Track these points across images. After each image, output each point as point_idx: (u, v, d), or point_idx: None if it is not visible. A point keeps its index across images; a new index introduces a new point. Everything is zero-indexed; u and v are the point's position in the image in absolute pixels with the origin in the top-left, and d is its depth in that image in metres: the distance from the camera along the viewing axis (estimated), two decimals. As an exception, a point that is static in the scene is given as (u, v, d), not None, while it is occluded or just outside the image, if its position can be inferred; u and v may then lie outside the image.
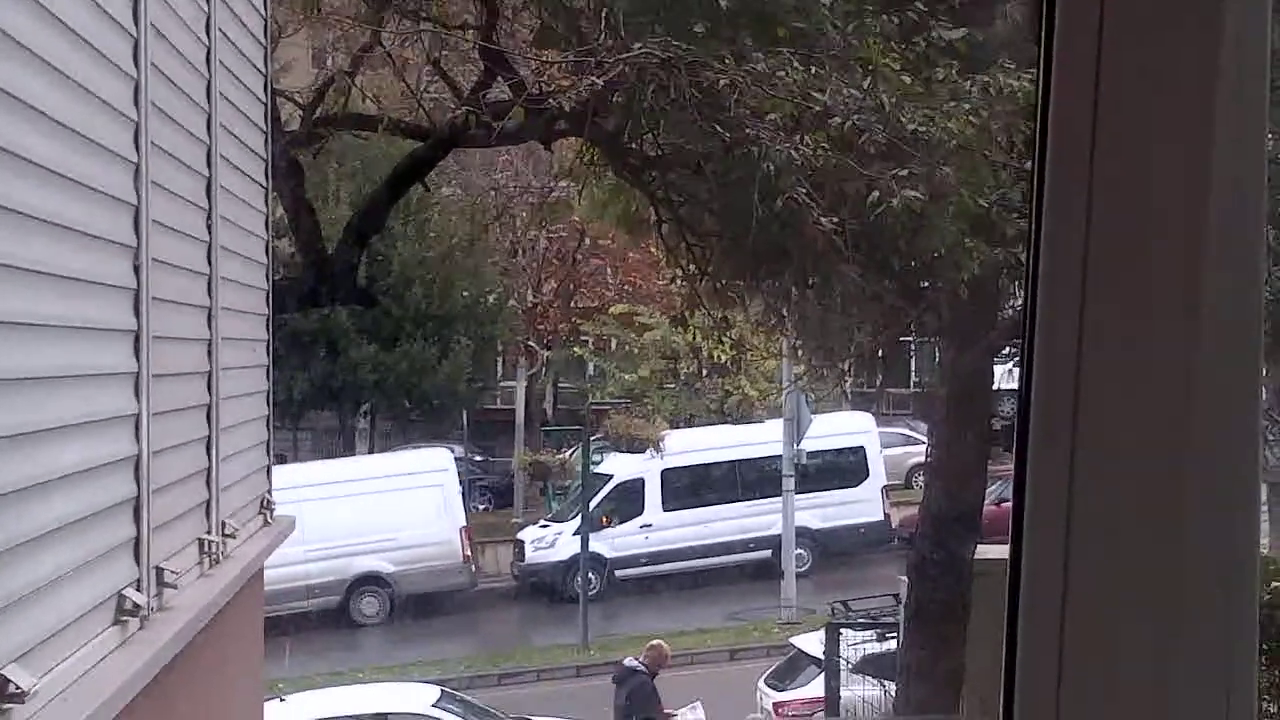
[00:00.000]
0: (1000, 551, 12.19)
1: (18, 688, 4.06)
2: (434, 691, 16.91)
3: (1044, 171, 1.49)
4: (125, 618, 5.25)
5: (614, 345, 26.75)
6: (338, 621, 21.66)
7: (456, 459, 25.87)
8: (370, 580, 22.12)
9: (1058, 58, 1.48)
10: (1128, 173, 1.48)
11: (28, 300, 4.39)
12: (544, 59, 11.59)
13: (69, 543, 4.69)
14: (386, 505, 21.64)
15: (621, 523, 23.16)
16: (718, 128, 9.94)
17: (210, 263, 6.67)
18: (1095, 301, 1.48)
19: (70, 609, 4.71)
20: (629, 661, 16.23)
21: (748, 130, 9.82)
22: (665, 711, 15.92)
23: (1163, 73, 1.45)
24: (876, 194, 9.43)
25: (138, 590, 5.39)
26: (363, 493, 21.32)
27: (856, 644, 16.01)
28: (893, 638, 14.94)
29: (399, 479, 22.43)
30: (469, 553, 22.67)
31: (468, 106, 11.37)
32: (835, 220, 9.78)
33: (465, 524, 22.75)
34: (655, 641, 17.06)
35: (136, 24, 5.44)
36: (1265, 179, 1.51)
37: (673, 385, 25.43)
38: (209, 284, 6.67)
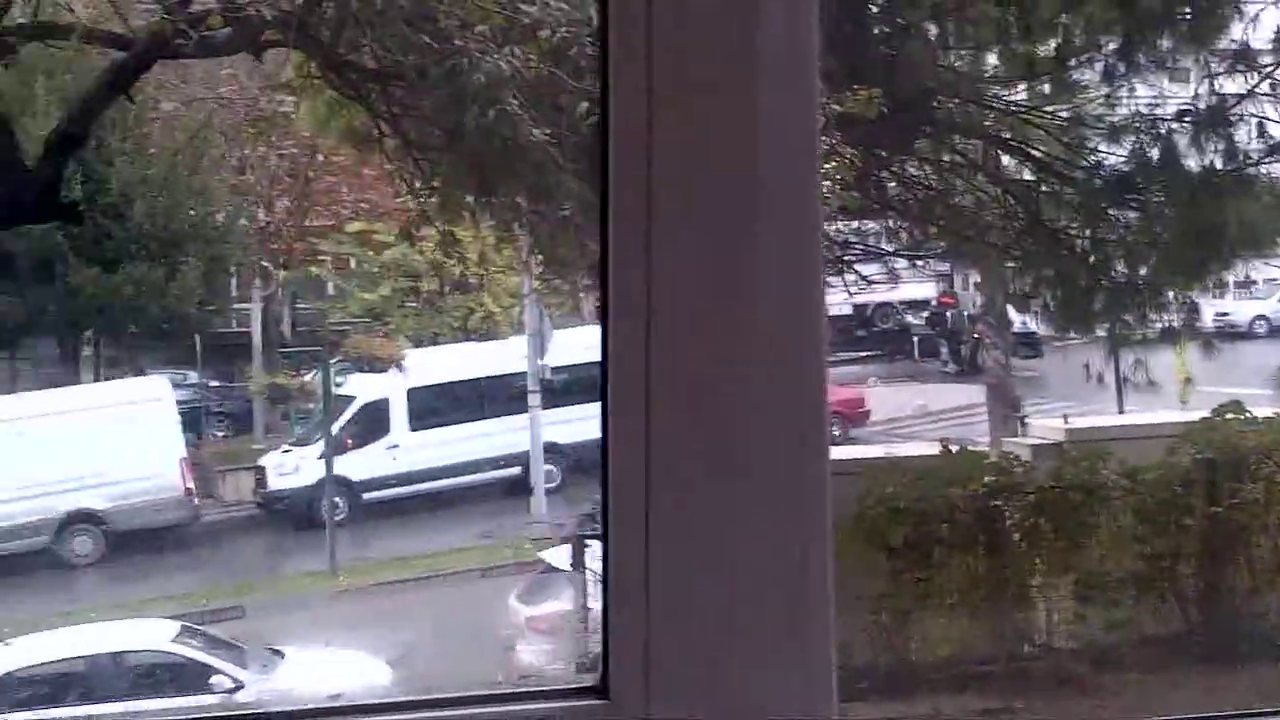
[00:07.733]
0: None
1: None
2: (173, 626, 16.37)
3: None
4: None
5: (353, 264, 26.16)
6: (49, 563, 20.77)
7: (192, 385, 24.99)
8: (82, 518, 21.19)
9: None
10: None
11: None
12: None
13: None
14: (95, 438, 20.68)
15: (368, 444, 22.83)
16: (427, 39, 9.68)
17: None
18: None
19: None
20: None
21: (457, 42, 9.59)
22: None
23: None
24: (586, 105, 9.33)
25: None
26: (67, 426, 20.34)
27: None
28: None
29: (109, 410, 21.47)
30: (191, 485, 21.89)
31: (165, 16, 10.81)
32: (549, 132, 9.66)
33: (185, 455, 21.97)
34: None
35: None
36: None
37: (415, 304, 25.05)
38: None
